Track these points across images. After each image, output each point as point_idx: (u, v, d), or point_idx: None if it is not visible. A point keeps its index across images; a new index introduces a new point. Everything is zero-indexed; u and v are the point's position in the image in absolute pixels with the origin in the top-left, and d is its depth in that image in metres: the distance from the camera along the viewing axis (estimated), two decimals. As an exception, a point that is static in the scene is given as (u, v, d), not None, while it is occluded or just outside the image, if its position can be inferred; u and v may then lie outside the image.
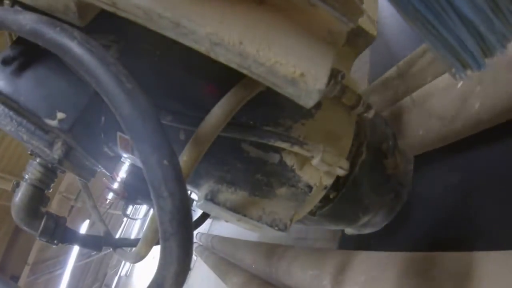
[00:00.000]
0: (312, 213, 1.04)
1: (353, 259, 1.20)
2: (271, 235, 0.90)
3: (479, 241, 0.99)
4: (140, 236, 0.84)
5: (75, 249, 8.86)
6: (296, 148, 0.84)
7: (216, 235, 5.10)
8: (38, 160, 0.88)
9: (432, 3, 0.54)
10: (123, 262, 17.73)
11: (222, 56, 0.59)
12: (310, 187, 0.92)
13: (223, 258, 3.73)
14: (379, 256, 1.11)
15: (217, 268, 3.51)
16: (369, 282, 1.04)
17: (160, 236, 0.43)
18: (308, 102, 0.61)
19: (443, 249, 0.94)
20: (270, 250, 2.17)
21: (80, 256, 9.37)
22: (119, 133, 0.86)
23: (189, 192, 1.16)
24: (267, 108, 0.86)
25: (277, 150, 0.88)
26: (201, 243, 6.50)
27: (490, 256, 0.77)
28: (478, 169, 1.16)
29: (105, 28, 0.78)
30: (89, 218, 8.94)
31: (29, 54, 0.75)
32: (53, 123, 0.73)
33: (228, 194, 0.88)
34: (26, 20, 0.49)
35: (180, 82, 0.84)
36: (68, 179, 6.41)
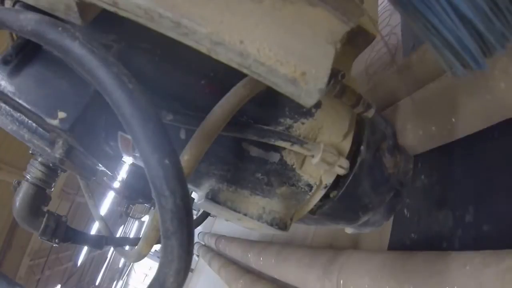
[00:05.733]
0: (312, 212, 1.04)
1: (339, 257, 1.21)
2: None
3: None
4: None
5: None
6: (296, 147, 0.85)
7: (222, 235, 5.06)
8: (39, 159, 0.88)
9: (432, 3, 0.54)
10: (116, 282, 17.38)
11: (222, 56, 0.60)
12: (310, 186, 0.92)
13: (231, 261, 3.69)
14: (368, 255, 1.12)
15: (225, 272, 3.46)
16: (355, 279, 1.06)
17: (161, 234, 0.44)
18: (309, 101, 0.61)
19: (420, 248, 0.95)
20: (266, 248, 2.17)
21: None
22: (120, 133, 0.86)
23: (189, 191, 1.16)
24: (267, 107, 0.86)
25: (278, 149, 0.89)
26: (203, 243, 6.49)
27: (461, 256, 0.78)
28: (471, 168, 1.17)
29: (106, 28, 0.78)
30: (60, 283, 8.53)
31: (28, 51, 0.75)
32: (54, 122, 0.73)
33: (229, 193, 0.88)
34: (27, 20, 0.49)
35: (181, 81, 0.84)
36: (34, 243, 6.22)
